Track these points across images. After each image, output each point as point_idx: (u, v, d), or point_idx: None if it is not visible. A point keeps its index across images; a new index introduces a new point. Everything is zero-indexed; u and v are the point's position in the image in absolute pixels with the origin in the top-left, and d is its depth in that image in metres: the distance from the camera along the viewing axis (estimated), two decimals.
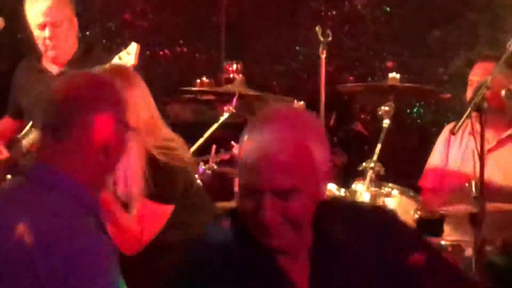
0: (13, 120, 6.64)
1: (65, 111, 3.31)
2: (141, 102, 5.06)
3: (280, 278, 3.21)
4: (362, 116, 7.79)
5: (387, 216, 3.48)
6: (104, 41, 8.97)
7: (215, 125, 6.71)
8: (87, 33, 7.97)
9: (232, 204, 6.67)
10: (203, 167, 6.57)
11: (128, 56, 5.96)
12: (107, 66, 5.55)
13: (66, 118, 3.30)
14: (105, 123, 3.31)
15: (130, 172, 5.08)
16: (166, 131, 5.21)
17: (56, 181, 3.30)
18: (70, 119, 3.29)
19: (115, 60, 5.90)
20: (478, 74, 6.46)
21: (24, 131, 6.33)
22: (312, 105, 6.60)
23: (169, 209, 5.17)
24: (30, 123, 6.33)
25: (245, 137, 3.13)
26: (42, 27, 6.29)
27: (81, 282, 3.19)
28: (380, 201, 6.25)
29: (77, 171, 3.30)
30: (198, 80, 7.09)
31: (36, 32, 6.36)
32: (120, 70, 5.23)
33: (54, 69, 6.44)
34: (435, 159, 6.86)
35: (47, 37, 6.28)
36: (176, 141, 5.15)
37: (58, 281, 3.16)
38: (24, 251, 3.18)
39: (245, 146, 3.12)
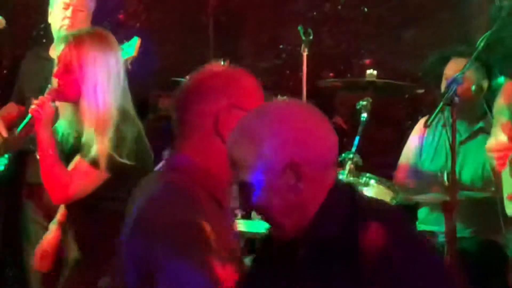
0: (17, 105, 6.62)
1: (187, 102, 3.38)
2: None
3: None
4: (342, 111, 7.77)
5: None
6: None
7: None
8: None
9: None
10: None
11: (129, 47, 5.91)
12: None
13: (188, 108, 3.36)
14: (225, 111, 3.31)
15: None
16: None
17: (181, 165, 3.39)
18: (191, 108, 3.34)
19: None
20: (452, 69, 6.46)
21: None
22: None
23: (102, 175, 5.07)
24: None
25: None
26: (66, 6, 6.33)
27: (177, 255, 3.20)
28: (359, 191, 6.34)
29: (201, 157, 3.34)
30: (188, 76, 7.07)
31: (57, 10, 6.39)
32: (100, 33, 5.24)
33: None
34: (409, 150, 6.90)
35: (67, 16, 6.32)
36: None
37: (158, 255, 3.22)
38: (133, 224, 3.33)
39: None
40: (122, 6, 8.73)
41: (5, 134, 6.30)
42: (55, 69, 5.15)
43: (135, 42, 5.96)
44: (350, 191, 3.19)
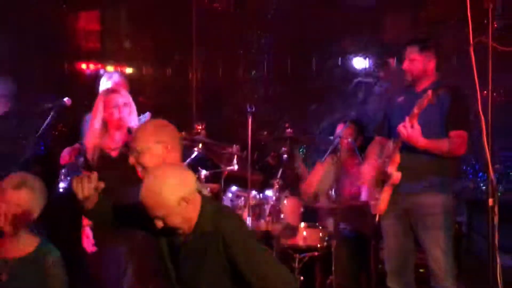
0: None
1: None
2: None
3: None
4: (272, 153, 7.69)
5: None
6: None
7: (189, 159, 6.90)
8: None
9: None
10: None
11: (144, 118, 5.80)
12: None
13: None
14: None
15: None
16: None
17: None
18: None
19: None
20: (339, 129, 6.75)
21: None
22: (243, 147, 6.84)
23: None
24: None
25: None
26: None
27: None
28: (282, 202, 6.63)
29: None
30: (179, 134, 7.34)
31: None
32: None
33: None
34: (311, 178, 7.20)
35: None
36: None
37: None
38: None
39: None
40: None
41: (72, 159, 6.12)
42: None
43: (147, 117, 5.90)
44: (207, 203, 3.58)
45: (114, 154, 5.40)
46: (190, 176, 3.57)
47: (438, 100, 5.21)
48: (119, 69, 9.25)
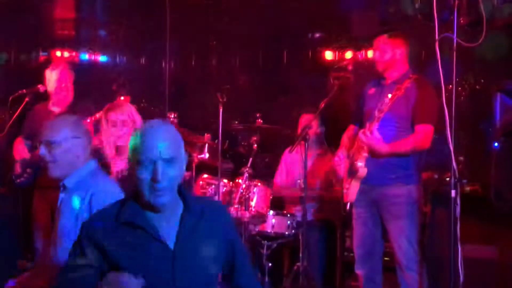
0: (25, 138, 6.51)
1: None
2: None
3: (152, 233, 3.11)
4: (243, 143, 7.97)
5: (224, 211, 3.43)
6: None
7: None
8: None
9: None
10: None
11: None
12: None
13: None
14: None
15: None
16: None
17: None
18: None
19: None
20: (305, 120, 6.77)
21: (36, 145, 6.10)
22: (215, 136, 6.85)
23: None
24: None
25: (139, 133, 3.09)
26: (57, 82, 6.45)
27: None
28: (251, 190, 6.60)
29: None
30: None
31: (52, 84, 6.47)
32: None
33: (57, 110, 6.53)
34: (280, 166, 7.30)
35: (57, 86, 6.44)
36: None
37: None
38: None
39: (142, 137, 3.06)
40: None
41: (27, 155, 6.38)
42: None
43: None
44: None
45: None
46: None
47: (405, 92, 5.24)
48: (93, 57, 9.22)
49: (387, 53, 5.56)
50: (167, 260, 3.09)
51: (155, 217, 3.14)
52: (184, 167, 3.21)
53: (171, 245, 3.12)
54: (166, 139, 3.06)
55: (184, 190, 3.23)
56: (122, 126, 5.34)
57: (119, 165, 5.19)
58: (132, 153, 3.10)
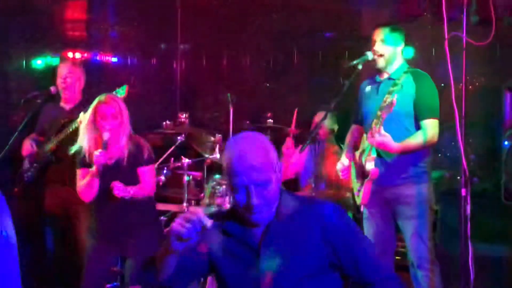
0: (37, 135, 6.58)
1: None
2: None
3: (245, 239, 3.10)
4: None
5: (330, 210, 3.14)
6: None
7: (173, 147, 7.15)
8: None
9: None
10: (166, 169, 6.98)
11: (122, 91, 6.01)
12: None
13: None
14: None
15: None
16: None
17: None
18: None
19: (114, 92, 5.89)
20: (317, 118, 6.92)
21: (46, 141, 6.43)
22: (225, 136, 6.89)
23: None
24: (49, 137, 6.45)
25: (228, 154, 3.01)
26: (61, 77, 6.52)
27: None
28: None
29: None
30: (164, 122, 7.30)
31: (59, 80, 6.54)
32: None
33: (67, 107, 6.59)
34: (291, 166, 7.23)
35: (63, 82, 6.51)
36: None
37: None
38: None
39: (231, 161, 2.98)
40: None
41: (35, 148, 6.47)
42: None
43: (125, 88, 6.05)
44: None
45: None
46: None
47: (404, 87, 5.20)
48: (104, 58, 9.23)
49: (389, 47, 5.50)
50: (254, 266, 3.09)
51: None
52: (280, 177, 3.11)
53: (258, 252, 3.11)
54: (257, 163, 2.98)
55: (283, 197, 3.14)
56: (112, 119, 5.35)
57: (100, 159, 5.22)
58: (225, 173, 3.06)
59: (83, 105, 6.39)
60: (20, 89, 7.71)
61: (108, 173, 5.34)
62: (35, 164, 6.48)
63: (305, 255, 3.07)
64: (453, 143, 6.85)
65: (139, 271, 4.07)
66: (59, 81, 6.56)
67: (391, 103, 5.05)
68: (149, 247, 5.31)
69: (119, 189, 5.26)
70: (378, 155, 5.36)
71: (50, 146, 6.41)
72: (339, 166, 5.74)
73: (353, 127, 5.90)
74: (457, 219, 4.74)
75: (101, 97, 5.42)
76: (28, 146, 6.52)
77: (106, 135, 5.34)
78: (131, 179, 5.41)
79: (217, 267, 3.18)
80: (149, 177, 5.51)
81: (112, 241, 5.46)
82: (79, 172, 5.46)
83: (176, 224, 2.90)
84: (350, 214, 6.66)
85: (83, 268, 6.08)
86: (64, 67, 6.60)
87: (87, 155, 5.41)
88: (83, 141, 5.47)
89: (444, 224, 6.40)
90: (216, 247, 3.17)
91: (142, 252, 5.27)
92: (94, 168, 5.28)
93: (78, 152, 5.49)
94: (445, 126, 5.46)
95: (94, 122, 5.37)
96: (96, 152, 5.25)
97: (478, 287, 4.76)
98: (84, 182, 5.36)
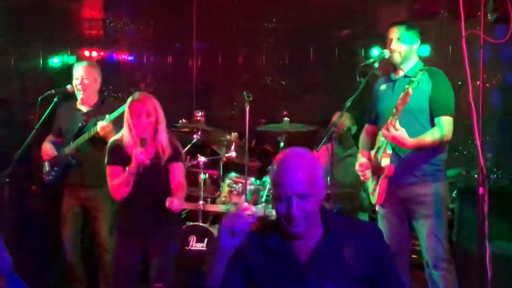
0: (55, 137, 6.65)
1: None
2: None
3: (288, 255, 3.18)
4: (269, 141, 7.98)
5: (373, 231, 3.28)
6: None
7: (189, 145, 7.13)
8: None
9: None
10: None
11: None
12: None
13: None
14: None
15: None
16: None
17: None
18: None
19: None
20: (335, 118, 6.78)
21: (65, 144, 6.48)
22: (241, 135, 6.88)
23: None
24: (67, 139, 6.49)
25: (276, 167, 3.12)
26: (78, 78, 6.51)
27: None
28: None
29: None
30: (180, 120, 7.28)
31: (75, 81, 6.52)
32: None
33: (84, 108, 6.60)
34: None
35: (79, 83, 6.50)
36: None
37: None
38: None
39: (278, 172, 3.10)
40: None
41: (54, 154, 6.50)
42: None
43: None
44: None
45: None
46: None
47: (420, 84, 5.17)
48: (120, 56, 9.25)
49: (405, 45, 5.50)
50: (300, 283, 3.16)
51: (294, 243, 3.23)
52: (322, 195, 3.20)
53: (305, 269, 3.18)
54: (301, 176, 3.10)
55: (327, 215, 3.25)
56: (146, 117, 5.34)
57: (141, 157, 5.22)
58: (272, 184, 3.21)
59: (99, 106, 6.51)
60: (37, 88, 7.70)
61: (144, 171, 5.32)
62: (56, 168, 6.51)
63: (350, 274, 3.15)
64: (469, 141, 7.03)
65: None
66: (75, 82, 6.57)
67: (407, 93, 5.04)
68: (173, 245, 5.50)
69: (176, 206, 5.32)
70: (393, 151, 5.34)
71: (69, 149, 6.45)
72: (357, 166, 5.73)
73: (367, 126, 5.92)
74: (474, 217, 4.71)
75: (135, 95, 5.45)
76: (48, 150, 6.55)
77: (143, 133, 5.37)
78: (165, 177, 5.45)
79: (257, 284, 3.25)
80: (181, 173, 5.55)
81: (138, 238, 5.47)
82: (110, 169, 5.45)
83: (229, 219, 3.20)
84: (366, 215, 6.90)
85: (101, 266, 6.12)
86: (80, 68, 6.59)
87: (124, 153, 5.41)
88: (118, 139, 5.49)
89: (460, 222, 6.35)
90: (256, 263, 3.24)
91: (166, 250, 5.39)
92: (133, 166, 5.28)
93: (110, 149, 5.51)
94: (462, 124, 5.41)
95: (129, 120, 5.39)
96: (137, 150, 5.26)
97: (496, 285, 4.75)
98: (120, 180, 5.35)
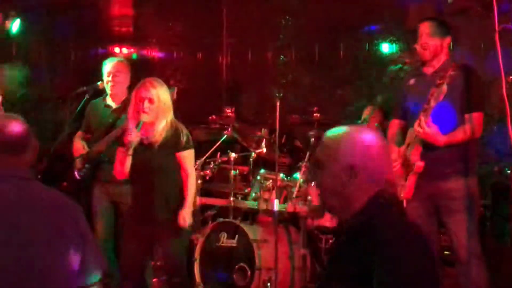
0: (85, 134, 6.71)
1: None
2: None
3: None
4: (299, 137, 7.87)
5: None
6: None
7: (219, 142, 7.17)
8: None
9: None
10: (212, 164, 7.01)
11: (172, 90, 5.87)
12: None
13: None
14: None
15: None
16: None
17: None
18: None
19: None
20: (365, 113, 6.90)
21: (96, 141, 6.52)
22: (272, 131, 6.87)
23: None
24: (97, 136, 6.54)
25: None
26: (108, 74, 6.61)
27: None
28: (309, 184, 6.55)
29: None
30: (210, 117, 7.37)
31: (106, 78, 6.60)
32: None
33: (113, 105, 6.65)
34: None
35: (110, 80, 6.59)
36: None
37: None
38: None
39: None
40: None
41: (85, 150, 6.56)
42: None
43: (175, 89, 6.07)
44: (387, 207, 2.81)
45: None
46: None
47: (451, 80, 5.13)
48: (150, 53, 9.29)
49: (435, 41, 5.47)
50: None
51: None
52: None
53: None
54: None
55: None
56: (149, 102, 5.47)
57: (132, 137, 5.41)
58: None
59: (128, 103, 6.38)
60: (67, 85, 7.75)
61: (142, 154, 5.50)
62: (87, 165, 6.57)
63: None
64: (502, 136, 6.91)
65: None
66: (106, 78, 6.62)
67: (441, 92, 5.03)
68: (184, 235, 5.54)
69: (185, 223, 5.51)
70: (424, 147, 5.31)
71: (100, 147, 6.49)
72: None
73: (394, 121, 5.86)
74: (506, 213, 4.69)
75: (141, 81, 5.59)
76: (79, 147, 6.61)
77: (142, 117, 5.49)
78: (167, 164, 5.53)
79: None
80: (188, 162, 5.63)
81: (144, 227, 5.54)
82: (117, 150, 5.68)
83: None
84: None
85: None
86: (110, 64, 6.65)
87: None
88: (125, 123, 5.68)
89: (493, 218, 6.28)
90: None
91: (173, 241, 5.47)
92: (125, 147, 5.47)
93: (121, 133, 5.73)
94: (495, 119, 5.38)
95: (134, 104, 5.55)
96: (129, 130, 5.46)
97: None
98: (117, 159, 5.57)
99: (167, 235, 5.51)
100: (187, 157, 5.62)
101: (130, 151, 5.51)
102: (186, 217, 5.51)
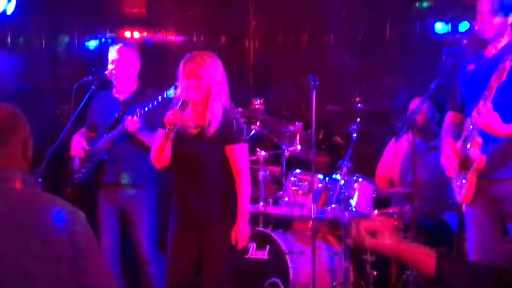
0: (89, 130, 6.75)
1: None
2: None
3: None
4: (340, 132, 8.00)
5: None
6: None
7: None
8: None
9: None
10: None
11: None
12: None
13: None
14: None
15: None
16: None
17: None
18: None
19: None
20: (414, 104, 6.91)
21: (99, 137, 6.58)
22: (307, 125, 6.89)
23: None
24: (101, 132, 6.59)
25: None
26: (112, 62, 6.57)
27: None
28: (351, 187, 6.64)
29: None
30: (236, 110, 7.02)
31: (109, 66, 6.58)
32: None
33: (121, 97, 6.68)
34: (384, 159, 7.44)
35: (113, 68, 6.53)
36: None
37: None
38: None
39: None
40: None
41: (87, 147, 6.59)
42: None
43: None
44: None
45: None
46: None
47: None
48: (166, 37, 9.33)
49: (498, 18, 5.39)
50: None
51: None
52: None
53: None
54: None
55: None
56: (195, 79, 5.35)
57: (173, 120, 5.26)
58: None
59: (138, 95, 6.56)
60: (71, 74, 7.80)
61: (190, 143, 5.43)
62: (86, 164, 6.61)
63: None
64: None
65: None
66: (110, 66, 6.63)
67: (503, 68, 4.98)
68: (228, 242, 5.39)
69: (244, 241, 5.51)
70: (484, 139, 5.25)
71: (103, 144, 6.54)
72: (442, 159, 5.64)
73: (451, 114, 5.85)
74: None
75: (190, 54, 5.47)
76: (78, 144, 6.63)
77: (187, 96, 5.38)
78: (218, 158, 5.42)
79: None
80: (239, 158, 5.49)
81: (191, 234, 5.49)
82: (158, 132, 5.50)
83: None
84: (453, 215, 6.86)
85: (144, 281, 6.35)
86: (114, 50, 6.64)
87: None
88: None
89: None
90: None
91: (221, 251, 5.39)
92: (166, 129, 5.31)
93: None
94: None
95: (180, 81, 5.44)
96: (171, 110, 5.30)
97: None
98: (155, 144, 5.41)
99: (215, 243, 5.45)
100: (238, 151, 5.47)
101: (171, 135, 5.33)
102: (240, 235, 5.42)
